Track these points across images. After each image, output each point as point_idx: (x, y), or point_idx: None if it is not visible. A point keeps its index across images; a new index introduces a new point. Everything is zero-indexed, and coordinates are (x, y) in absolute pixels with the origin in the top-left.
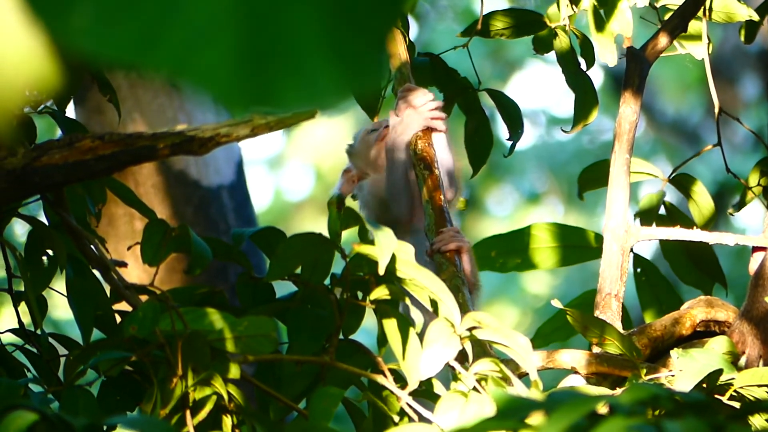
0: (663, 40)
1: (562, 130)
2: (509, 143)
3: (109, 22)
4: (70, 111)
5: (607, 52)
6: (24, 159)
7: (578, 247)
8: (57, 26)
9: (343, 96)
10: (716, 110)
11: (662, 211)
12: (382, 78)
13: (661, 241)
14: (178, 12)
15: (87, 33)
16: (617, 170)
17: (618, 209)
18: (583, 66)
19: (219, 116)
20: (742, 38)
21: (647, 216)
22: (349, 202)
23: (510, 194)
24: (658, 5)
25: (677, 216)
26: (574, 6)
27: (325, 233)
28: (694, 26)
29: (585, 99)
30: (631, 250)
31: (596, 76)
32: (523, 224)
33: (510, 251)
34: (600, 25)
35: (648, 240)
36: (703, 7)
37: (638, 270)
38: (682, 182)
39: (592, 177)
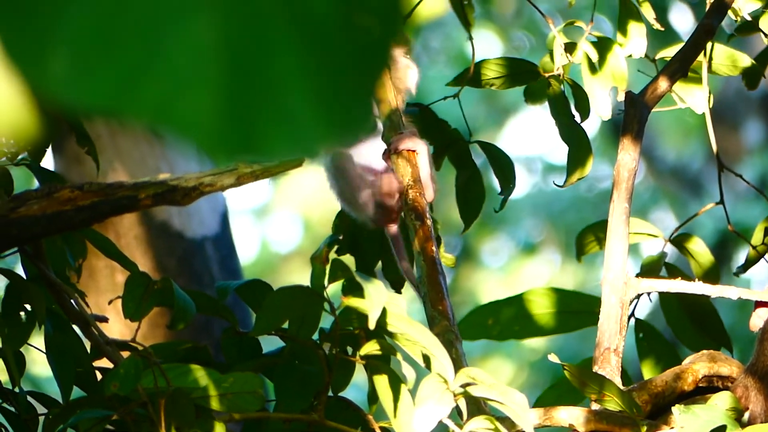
0: (662, 84)
1: (555, 185)
2: (501, 196)
3: (87, 70)
4: (49, 160)
5: (602, 105)
6: (1, 210)
7: (578, 312)
8: (34, 74)
9: (329, 144)
10: (717, 166)
11: (663, 272)
12: (370, 126)
13: (661, 301)
14: (159, 59)
15: (65, 81)
16: (616, 220)
17: (617, 261)
18: (578, 118)
19: (202, 165)
20: (745, 84)
21: (649, 277)
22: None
23: (505, 244)
24: (656, 57)
25: (679, 276)
26: (568, 55)
27: (325, 286)
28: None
29: (579, 152)
30: (632, 314)
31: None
32: (520, 276)
33: (507, 318)
34: (595, 76)
35: (648, 293)
36: (704, 56)
37: (640, 335)
38: (682, 242)
39: (592, 238)
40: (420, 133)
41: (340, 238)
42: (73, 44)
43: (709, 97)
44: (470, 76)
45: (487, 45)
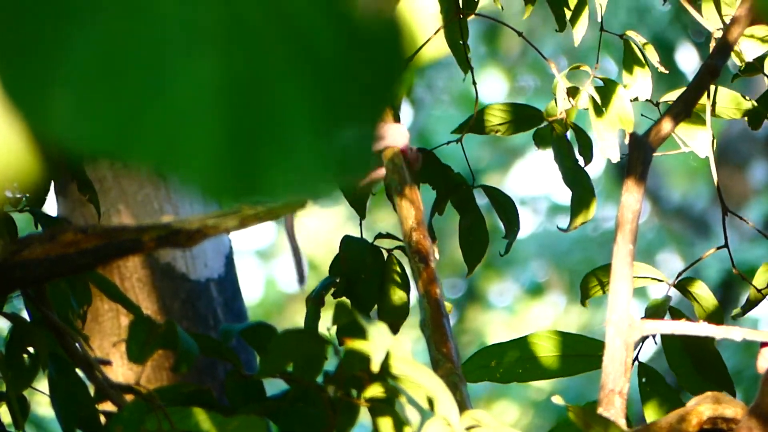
0: (666, 126)
1: (559, 228)
2: (505, 240)
3: (89, 112)
4: (53, 203)
5: (610, 148)
6: (4, 253)
7: (583, 355)
8: (35, 115)
9: (331, 185)
10: (722, 209)
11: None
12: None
13: (664, 345)
14: (161, 101)
15: (66, 123)
16: (619, 262)
17: (621, 302)
18: (581, 162)
19: (207, 207)
20: (749, 125)
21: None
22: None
23: (511, 285)
24: (660, 101)
25: (683, 318)
26: (571, 99)
27: (318, 328)
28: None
29: (582, 196)
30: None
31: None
32: (526, 316)
33: (511, 361)
34: (601, 119)
35: (652, 335)
36: (707, 98)
37: (643, 379)
38: (686, 285)
39: (596, 282)
40: (423, 177)
41: (337, 281)
42: (74, 86)
43: (713, 141)
44: (473, 123)
45: (493, 85)
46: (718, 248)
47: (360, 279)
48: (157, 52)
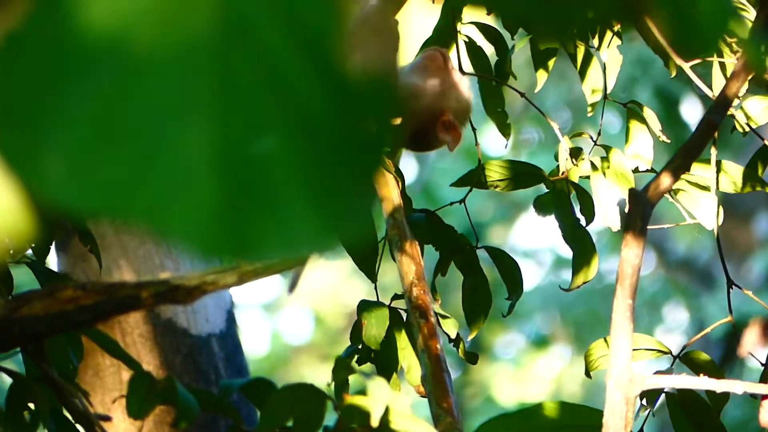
0: (666, 180)
1: (561, 288)
2: (508, 300)
3: (83, 174)
4: (54, 259)
5: (610, 215)
6: (3, 310)
7: (587, 427)
8: (30, 177)
9: (326, 243)
10: (727, 283)
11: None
12: (368, 223)
13: (668, 402)
14: (154, 163)
15: (61, 184)
16: (619, 316)
17: (621, 356)
18: (582, 221)
19: (208, 263)
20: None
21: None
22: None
23: (516, 337)
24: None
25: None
26: (573, 159)
27: (317, 383)
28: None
29: (584, 255)
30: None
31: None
32: (531, 368)
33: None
34: (601, 185)
35: (654, 389)
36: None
37: None
38: (690, 356)
39: (597, 356)
40: (427, 239)
41: (359, 347)
42: (68, 149)
43: (718, 210)
44: (475, 179)
45: (497, 137)
46: (721, 322)
47: (383, 344)
48: (151, 118)
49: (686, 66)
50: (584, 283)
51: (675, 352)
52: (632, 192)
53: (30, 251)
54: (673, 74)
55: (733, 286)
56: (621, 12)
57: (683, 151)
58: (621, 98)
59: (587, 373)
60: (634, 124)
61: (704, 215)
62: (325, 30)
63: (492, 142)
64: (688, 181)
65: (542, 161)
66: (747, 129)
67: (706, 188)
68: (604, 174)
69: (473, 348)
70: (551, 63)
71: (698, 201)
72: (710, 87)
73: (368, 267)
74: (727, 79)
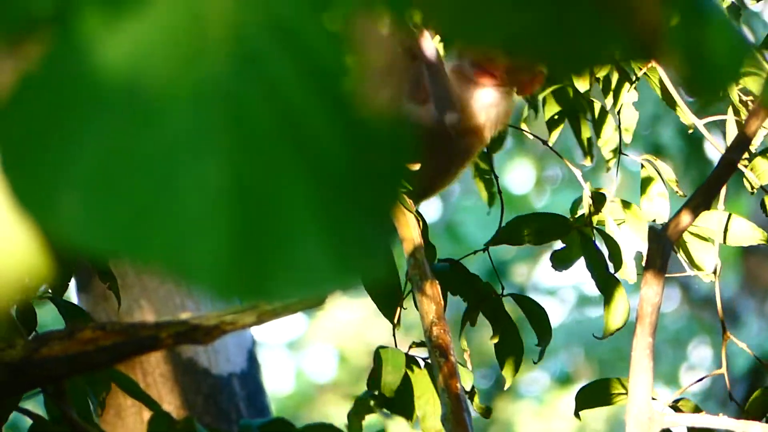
0: (685, 219)
1: (595, 336)
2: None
3: (97, 214)
4: (75, 299)
5: (627, 267)
6: (23, 351)
7: None
8: (43, 217)
9: (343, 282)
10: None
11: None
12: (387, 263)
13: None
14: (169, 203)
15: (74, 225)
16: (639, 354)
17: (641, 394)
18: (611, 268)
19: (228, 302)
20: (766, 213)
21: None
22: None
23: (540, 374)
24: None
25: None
26: (597, 205)
27: (339, 423)
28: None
29: (615, 302)
30: None
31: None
32: (556, 406)
33: None
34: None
35: (673, 427)
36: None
37: None
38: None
39: (590, 397)
40: (453, 289)
41: (376, 393)
42: (83, 188)
43: (719, 270)
44: (500, 236)
45: (521, 175)
46: (719, 372)
47: (399, 391)
48: (164, 157)
49: (699, 123)
50: (617, 329)
51: (701, 390)
52: (652, 230)
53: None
54: (688, 123)
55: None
56: (634, 51)
57: (702, 190)
58: (643, 137)
59: (576, 415)
60: (650, 180)
61: (707, 264)
62: (339, 67)
63: (516, 180)
64: (692, 233)
65: (566, 198)
66: (756, 187)
67: (709, 240)
68: (620, 226)
69: (496, 386)
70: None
71: (702, 251)
72: (724, 136)
73: (388, 308)
74: (746, 118)
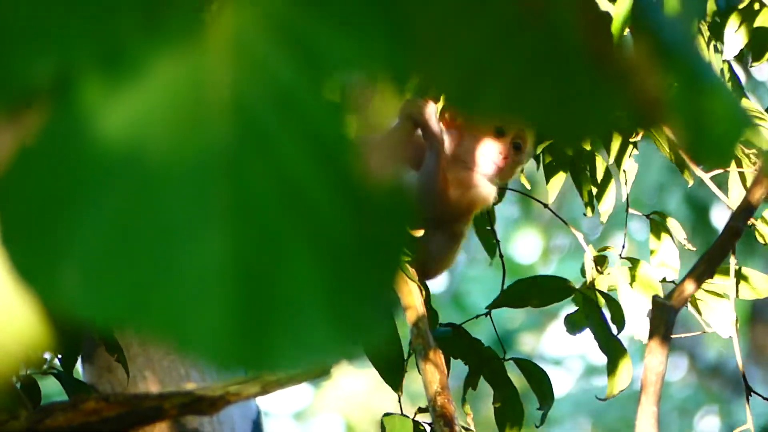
0: (689, 287)
1: (597, 398)
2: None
3: (98, 287)
4: (79, 370)
5: (638, 326)
6: (27, 422)
7: None
8: (45, 289)
9: (345, 353)
10: (745, 390)
11: None
12: (390, 333)
13: None
14: (170, 275)
15: (75, 297)
16: (644, 423)
17: None
18: (614, 329)
19: (233, 373)
20: None
21: None
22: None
23: None
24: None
25: None
26: (599, 267)
27: None
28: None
29: (617, 363)
30: None
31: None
32: None
33: None
34: (628, 295)
35: None
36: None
37: None
38: None
39: None
40: (455, 353)
41: None
42: (84, 261)
43: (737, 321)
44: (502, 300)
45: (528, 244)
46: (741, 429)
47: None
48: (166, 229)
49: (706, 177)
50: (620, 391)
51: None
52: (655, 299)
53: (57, 362)
54: (691, 183)
55: (752, 393)
56: (637, 119)
57: (706, 258)
58: (649, 205)
59: None
60: (659, 235)
61: (721, 323)
62: (340, 137)
63: (523, 249)
64: (706, 290)
65: (572, 267)
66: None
67: (723, 296)
68: (631, 285)
69: None
70: (562, 178)
71: (715, 309)
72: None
73: (391, 377)
74: (749, 186)
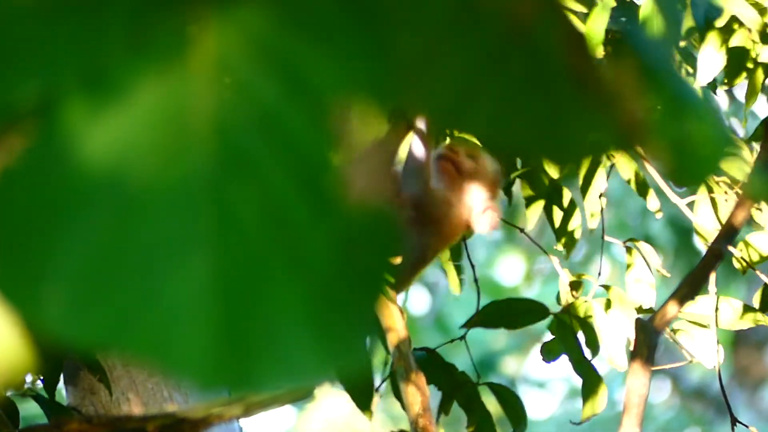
0: (672, 309)
1: (572, 423)
2: None
3: (82, 309)
4: (62, 391)
5: (617, 355)
6: None
7: None
8: (28, 311)
9: (326, 378)
10: (731, 419)
11: None
12: (368, 356)
13: None
14: (153, 298)
15: (59, 319)
16: None
17: None
18: (588, 355)
19: (217, 394)
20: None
21: None
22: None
23: None
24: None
25: None
26: (574, 292)
27: None
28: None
29: (591, 388)
30: None
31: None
32: None
33: None
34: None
35: None
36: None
37: None
38: None
39: None
40: (428, 378)
41: None
42: (67, 283)
43: (718, 348)
44: (476, 320)
45: (511, 267)
46: None
47: None
48: (150, 251)
49: (681, 203)
50: (594, 415)
51: None
52: (638, 321)
53: (40, 384)
54: (656, 212)
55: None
56: (618, 141)
57: (688, 281)
58: (633, 228)
59: None
60: (634, 262)
61: (704, 353)
62: (324, 161)
63: (506, 273)
64: (688, 320)
65: (556, 290)
66: (746, 266)
67: (704, 326)
68: (606, 311)
69: None
70: (539, 205)
71: (697, 337)
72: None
73: (362, 400)
74: (732, 209)
